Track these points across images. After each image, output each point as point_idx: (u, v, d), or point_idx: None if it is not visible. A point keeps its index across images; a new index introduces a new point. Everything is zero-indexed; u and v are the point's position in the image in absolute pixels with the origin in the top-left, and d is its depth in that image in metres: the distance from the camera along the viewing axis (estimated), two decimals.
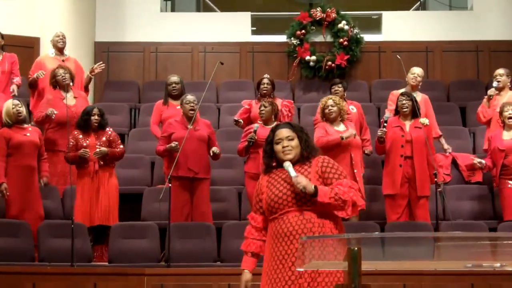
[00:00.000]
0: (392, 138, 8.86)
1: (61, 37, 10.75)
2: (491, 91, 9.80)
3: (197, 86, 11.14)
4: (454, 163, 10.24)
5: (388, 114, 9.10)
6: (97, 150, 8.89)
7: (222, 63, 10.10)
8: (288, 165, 4.87)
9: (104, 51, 13.05)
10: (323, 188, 4.79)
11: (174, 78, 10.10)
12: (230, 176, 10.22)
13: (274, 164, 5.03)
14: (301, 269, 3.86)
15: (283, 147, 4.94)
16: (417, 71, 10.09)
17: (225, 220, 9.05)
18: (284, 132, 4.99)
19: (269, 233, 4.93)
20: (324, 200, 4.75)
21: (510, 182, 8.89)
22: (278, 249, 4.83)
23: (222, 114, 11.78)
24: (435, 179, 8.55)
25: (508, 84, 9.94)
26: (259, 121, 9.13)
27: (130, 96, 12.56)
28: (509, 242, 3.70)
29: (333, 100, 9.00)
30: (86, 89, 10.65)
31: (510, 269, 3.75)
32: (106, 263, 8.58)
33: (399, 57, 10.20)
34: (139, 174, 10.30)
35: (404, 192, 8.77)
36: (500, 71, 10.00)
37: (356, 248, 3.30)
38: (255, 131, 8.83)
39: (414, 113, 8.94)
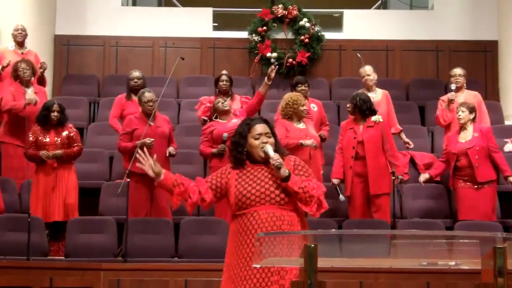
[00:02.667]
0: (345, 141, 8.92)
1: (20, 31, 10.62)
2: (452, 95, 9.68)
3: (158, 81, 11.09)
4: (412, 161, 10.28)
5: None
6: (53, 154, 8.81)
7: (183, 58, 10.05)
8: (268, 146, 4.89)
9: (64, 44, 12.94)
10: (295, 177, 4.83)
11: (136, 73, 10.03)
12: (190, 172, 10.16)
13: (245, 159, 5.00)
14: (257, 265, 3.85)
15: (263, 143, 4.94)
16: (366, 72, 10.04)
17: (183, 216, 9.00)
18: (263, 128, 4.99)
19: (234, 229, 4.91)
20: (293, 187, 4.79)
21: (463, 182, 8.93)
22: (245, 245, 4.81)
23: (182, 110, 11.73)
24: (393, 178, 8.58)
25: (464, 85, 9.96)
26: (218, 118, 9.07)
27: (90, 90, 12.46)
28: (464, 241, 3.73)
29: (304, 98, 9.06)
30: (41, 83, 10.50)
31: (465, 267, 3.79)
32: (63, 258, 8.52)
33: (359, 55, 10.24)
34: (97, 169, 10.23)
35: (359, 191, 8.80)
36: (458, 71, 9.94)
37: (312, 245, 3.30)
38: (224, 141, 8.66)
39: (362, 112, 8.93)
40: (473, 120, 9.13)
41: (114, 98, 11.60)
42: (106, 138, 10.63)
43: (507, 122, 11.51)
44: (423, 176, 9.33)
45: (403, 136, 10.05)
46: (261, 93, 8.97)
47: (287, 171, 4.82)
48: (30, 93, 9.44)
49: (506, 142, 9.56)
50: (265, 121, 5.08)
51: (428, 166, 10.24)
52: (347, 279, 7.28)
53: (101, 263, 7.63)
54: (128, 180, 8.31)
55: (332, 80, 12.80)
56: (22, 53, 10.46)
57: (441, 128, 10.97)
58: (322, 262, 3.55)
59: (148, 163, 4.99)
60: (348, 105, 9.07)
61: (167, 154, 8.86)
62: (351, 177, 8.81)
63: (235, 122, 8.80)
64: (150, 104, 8.88)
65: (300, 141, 8.65)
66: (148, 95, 8.93)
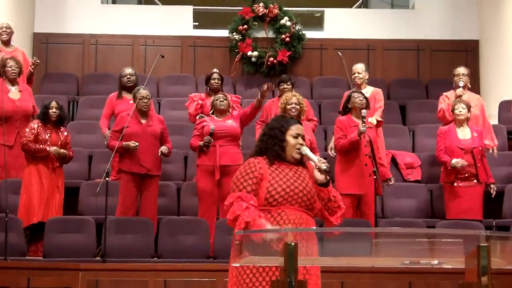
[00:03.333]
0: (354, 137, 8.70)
1: (4, 29, 10.47)
2: (460, 91, 9.65)
3: (138, 80, 10.98)
4: (394, 161, 10.26)
5: (365, 111, 8.85)
6: (61, 150, 8.86)
7: (162, 56, 10.00)
8: (306, 149, 4.80)
9: (43, 42, 12.83)
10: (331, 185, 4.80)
11: (128, 70, 9.97)
12: (171, 170, 10.10)
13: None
14: (237, 265, 3.77)
15: (299, 143, 4.82)
16: (356, 69, 10.01)
17: (163, 216, 8.93)
18: (302, 130, 4.90)
19: None
20: (330, 193, 4.77)
21: (461, 182, 8.88)
22: None
23: (162, 109, 11.65)
24: (375, 177, 8.51)
25: (468, 84, 9.94)
26: (213, 115, 8.97)
27: (69, 89, 12.35)
28: (447, 239, 3.68)
29: (297, 98, 8.89)
30: (29, 82, 10.39)
31: (448, 266, 3.74)
32: (41, 258, 8.42)
33: (340, 54, 10.19)
34: (77, 168, 10.12)
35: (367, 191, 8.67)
36: (462, 70, 9.92)
37: (292, 243, 3.23)
38: (211, 134, 8.62)
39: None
40: (468, 119, 9.15)
41: (93, 96, 11.58)
42: (86, 137, 10.57)
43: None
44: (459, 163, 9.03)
45: None
46: (255, 106, 8.88)
47: (327, 176, 4.75)
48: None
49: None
50: (301, 123, 4.99)
51: (409, 166, 10.22)
52: (328, 279, 7.22)
53: (79, 263, 7.56)
54: (107, 179, 8.22)
55: (313, 79, 12.76)
56: (9, 52, 10.32)
57: (422, 128, 11.00)
58: (302, 262, 3.48)
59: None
60: (362, 99, 8.87)
61: (159, 153, 8.75)
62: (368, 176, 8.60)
63: (229, 123, 8.80)
64: (145, 101, 8.83)
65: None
66: (143, 92, 8.89)
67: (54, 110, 8.98)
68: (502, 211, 9.34)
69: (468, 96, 9.81)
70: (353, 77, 9.96)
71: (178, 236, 8.47)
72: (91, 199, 8.98)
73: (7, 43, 10.50)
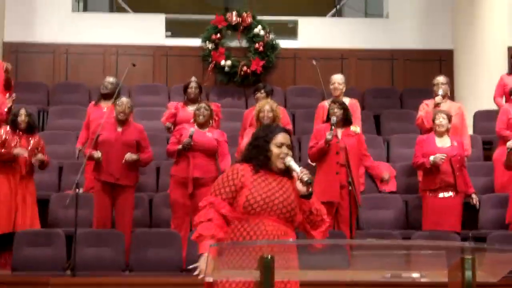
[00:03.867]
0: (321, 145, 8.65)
1: None
2: (439, 99, 9.63)
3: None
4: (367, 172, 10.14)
5: (334, 118, 8.76)
6: (37, 156, 8.70)
7: (134, 65, 9.88)
8: (290, 159, 4.65)
9: (13, 51, 12.63)
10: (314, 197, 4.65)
11: (109, 79, 10.02)
12: (143, 182, 9.93)
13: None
14: (210, 279, 3.62)
15: (284, 153, 4.67)
16: (336, 80, 9.92)
17: (134, 228, 8.77)
18: (287, 139, 4.74)
19: (233, 233, 4.59)
20: (312, 206, 4.62)
21: (437, 192, 8.77)
22: None
23: (135, 118, 11.38)
24: (349, 188, 8.39)
25: (448, 93, 9.87)
26: (195, 125, 8.83)
27: (39, 99, 12.15)
28: (429, 251, 3.56)
29: (270, 105, 8.77)
30: (7, 88, 10.19)
31: (430, 280, 3.61)
32: (8, 272, 8.23)
33: (314, 62, 10.09)
34: (46, 179, 9.93)
35: (337, 199, 8.54)
36: (441, 79, 9.90)
37: (269, 257, 3.08)
38: (191, 136, 8.49)
39: (346, 121, 8.76)
40: (448, 129, 9.03)
41: (64, 106, 11.44)
42: (56, 147, 10.38)
43: None
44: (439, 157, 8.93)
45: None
46: None
47: (310, 188, 4.60)
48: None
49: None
50: (287, 132, 4.84)
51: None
52: None
53: (48, 277, 7.39)
54: (78, 190, 8.06)
55: (287, 89, 12.66)
56: None
57: (397, 138, 10.92)
58: (280, 276, 3.35)
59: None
60: (336, 110, 8.74)
61: (123, 161, 8.58)
62: (338, 184, 8.48)
63: (208, 136, 8.67)
64: (122, 107, 8.71)
65: None
66: (123, 99, 8.87)
67: (23, 117, 8.84)
68: (478, 222, 9.25)
69: (449, 105, 9.76)
70: (331, 87, 9.85)
71: (150, 249, 8.30)
72: (62, 211, 8.83)
73: None
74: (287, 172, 4.68)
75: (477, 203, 9.07)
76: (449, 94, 9.94)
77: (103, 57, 12.79)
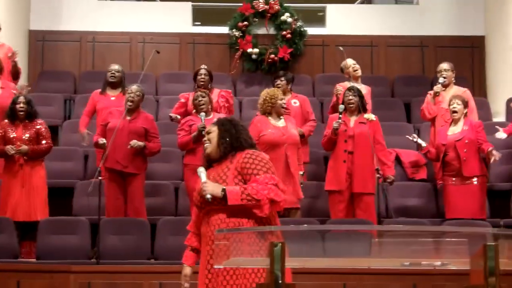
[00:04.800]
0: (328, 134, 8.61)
1: None
2: (437, 88, 9.47)
3: (135, 77, 10.69)
4: (398, 159, 10.02)
5: (342, 106, 8.69)
6: (17, 150, 8.51)
7: (158, 52, 9.83)
8: (201, 170, 4.70)
9: (39, 40, 12.56)
10: (233, 190, 4.52)
11: (114, 67, 9.83)
12: (168, 170, 9.88)
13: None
14: (220, 267, 3.51)
15: (204, 141, 4.82)
16: (351, 62, 9.86)
17: (161, 216, 8.70)
18: (210, 125, 4.87)
19: None
20: (234, 202, 4.50)
21: (450, 178, 8.67)
22: (203, 248, 4.74)
23: (160, 107, 11.42)
24: (377, 175, 8.30)
25: (453, 79, 9.69)
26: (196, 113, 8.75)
27: (65, 87, 12.11)
28: (451, 239, 3.42)
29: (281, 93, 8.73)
30: (15, 77, 10.14)
31: (452, 268, 3.46)
32: (32, 260, 8.19)
33: (341, 48, 9.93)
34: (72, 167, 9.91)
35: (347, 188, 8.48)
36: (445, 66, 9.70)
37: (280, 243, 2.95)
38: (203, 120, 8.41)
39: (363, 108, 8.67)
40: (465, 115, 8.91)
41: (90, 95, 11.36)
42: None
43: (494, 119, 11.24)
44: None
45: None
46: None
47: (220, 192, 4.53)
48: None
49: (498, 130, 9.27)
50: (217, 121, 4.91)
51: (414, 164, 9.98)
52: (330, 281, 7.02)
53: (70, 265, 7.32)
54: (100, 178, 8.00)
55: (315, 76, 12.50)
56: None
57: (427, 125, 10.73)
58: (295, 263, 3.22)
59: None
60: (351, 98, 8.67)
61: (128, 146, 8.47)
62: (345, 172, 8.48)
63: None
64: (131, 96, 8.63)
65: None
66: (133, 87, 8.78)
67: (21, 105, 8.70)
68: (511, 210, 9.06)
69: (455, 90, 9.58)
70: (352, 71, 9.73)
71: (175, 237, 8.21)
72: (86, 199, 8.76)
73: None
74: (221, 157, 4.76)
75: (497, 154, 8.69)
76: (453, 80, 9.69)
77: (130, 45, 12.68)
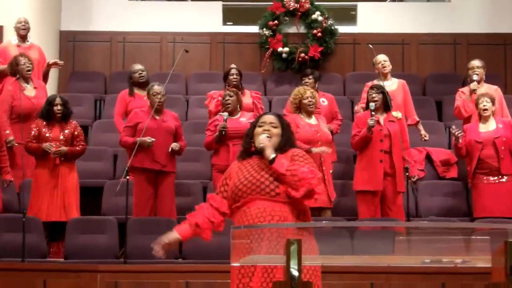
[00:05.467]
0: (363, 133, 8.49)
1: (23, 23, 10.28)
2: (474, 85, 9.32)
3: (165, 77, 10.74)
4: (429, 158, 9.93)
5: (373, 104, 8.60)
6: (57, 150, 8.51)
7: (187, 51, 9.80)
8: (263, 135, 4.68)
9: (70, 40, 12.64)
10: (283, 160, 4.55)
11: (139, 66, 9.86)
12: (196, 169, 9.86)
13: (252, 149, 4.77)
14: (237, 264, 3.47)
15: (264, 130, 4.70)
16: (382, 58, 9.76)
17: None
18: (270, 119, 4.78)
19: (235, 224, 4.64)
20: (279, 169, 4.51)
21: (486, 177, 8.56)
22: None
23: (190, 106, 11.42)
24: (407, 174, 8.20)
25: (483, 77, 9.58)
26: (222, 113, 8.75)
27: (96, 87, 12.16)
28: (473, 237, 3.35)
29: (311, 92, 8.65)
30: (44, 79, 10.20)
31: (474, 265, 3.39)
32: (59, 259, 8.20)
33: (371, 46, 9.84)
34: (101, 167, 9.94)
35: (381, 188, 8.40)
36: (476, 63, 9.59)
37: (295, 241, 2.90)
38: (225, 120, 8.47)
39: (386, 106, 8.57)
40: (493, 112, 8.84)
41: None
42: (111, 135, 10.35)
43: None
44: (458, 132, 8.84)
45: (421, 127, 9.65)
46: None
47: (273, 155, 4.56)
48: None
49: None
50: (277, 115, 4.88)
51: (444, 163, 9.88)
52: (357, 280, 6.96)
53: (97, 264, 7.31)
54: (127, 178, 8.00)
55: (346, 75, 12.44)
56: (25, 47, 10.13)
57: (459, 124, 10.61)
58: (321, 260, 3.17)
59: (161, 248, 4.71)
60: (374, 96, 8.58)
61: (169, 150, 8.52)
62: (383, 173, 8.36)
63: (242, 121, 8.57)
64: (159, 97, 8.63)
65: (310, 149, 8.17)
66: (156, 88, 8.76)
67: (58, 107, 8.71)
68: None
69: (486, 88, 9.46)
70: (381, 67, 9.64)
71: None
72: (115, 199, 8.77)
73: (24, 38, 10.29)
74: (275, 150, 4.67)
75: None
76: (484, 78, 9.57)
77: (160, 45, 12.71)
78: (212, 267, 7.21)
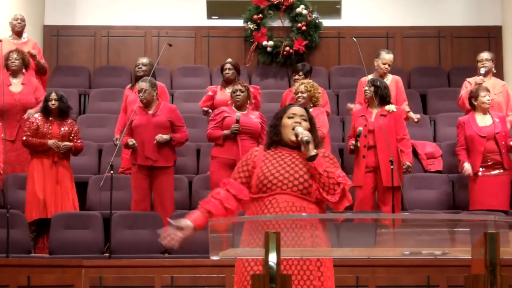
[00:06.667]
0: (356, 129, 8.53)
1: (19, 20, 10.28)
2: (480, 79, 9.25)
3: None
4: (414, 151, 9.89)
5: (361, 129, 8.54)
6: (64, 145, 8.54)
7: (170, 45, 9.79)
8: (300, 127, 4.56)
9: (54, 35, 12.58)
10: (322, 159, 4.48)
11: (142, 60, 9.81)
12: (183, 163, 9.82)
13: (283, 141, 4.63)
14: (216, 258, 3.45)
15: (295, 122, 4.59)
16: (390, 60, 9.69)
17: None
18: (300, 111, 4.67)
19: (250, 213, 4.55)
20: (319, 168, 4.43)
21: (487, 171, 8.56)
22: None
23: (176, 101, 11.38)
24: (391, 167, 8.18)
25: (493, 69, 9.55)
26: (233, 107, 8.69)
27: (80, 82, 12.11)
28: (453, 229, 3.35)
29: (304, 85, 8.61)
30: (42, 73, 10.15)
31: (454, 257, 3.40)
32: (43, 255, 8.18)
33: (355, 39, 9.81)
34: (86, 162, 9.90)
35: (369, 182, 8.42)
36: (485, 55, 9.52)
37: (274, 232, 2.90)
38: (237, 121, 8.38)
39: (382, 100, 8.56)
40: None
41: (105, 89, 11.37)
42: (96, 130, 10.39)
43: None
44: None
45: (411, 114, 9.58)
46: None
47: (315, 151, 4.47)
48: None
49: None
50: (305, 108, 4.79)
51: (430, 156, 9.88)
52: (342, 273, 6.91)
53: (82, 259, 7.29)
54: (112, 173, 7.98)
55: (330, 69, 12.43)
56: (20, 43, 10.11)
57: (443, 117, 10.66)
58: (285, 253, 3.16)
59: (176, 242, 4.48)
60: (367, 89, 8.59)
61: (154, 141, 8.46)
62: (364, 167, 8.43)
63: (253, 119, 8.59)
64: (140, 94, 8.60)
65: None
66: (140, 84, 8.70)
67: (53, 102, 8.70)
68: None
69: (493, 81, 9.44)
70: (382, 66, 9.56)
71: None
72: (99, 194, 8.74)
73: (20, 34, 10.26)
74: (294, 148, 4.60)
75: None
76: (494, 70, 9.58)
77: (144, 39, 12.67)
78: (197, 262, 7.20)
